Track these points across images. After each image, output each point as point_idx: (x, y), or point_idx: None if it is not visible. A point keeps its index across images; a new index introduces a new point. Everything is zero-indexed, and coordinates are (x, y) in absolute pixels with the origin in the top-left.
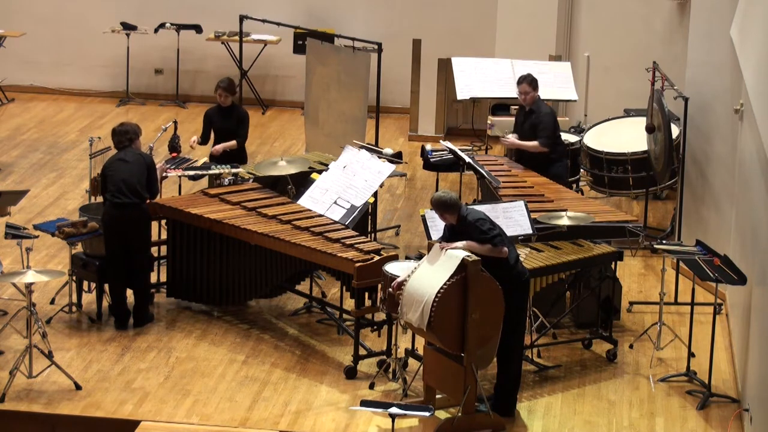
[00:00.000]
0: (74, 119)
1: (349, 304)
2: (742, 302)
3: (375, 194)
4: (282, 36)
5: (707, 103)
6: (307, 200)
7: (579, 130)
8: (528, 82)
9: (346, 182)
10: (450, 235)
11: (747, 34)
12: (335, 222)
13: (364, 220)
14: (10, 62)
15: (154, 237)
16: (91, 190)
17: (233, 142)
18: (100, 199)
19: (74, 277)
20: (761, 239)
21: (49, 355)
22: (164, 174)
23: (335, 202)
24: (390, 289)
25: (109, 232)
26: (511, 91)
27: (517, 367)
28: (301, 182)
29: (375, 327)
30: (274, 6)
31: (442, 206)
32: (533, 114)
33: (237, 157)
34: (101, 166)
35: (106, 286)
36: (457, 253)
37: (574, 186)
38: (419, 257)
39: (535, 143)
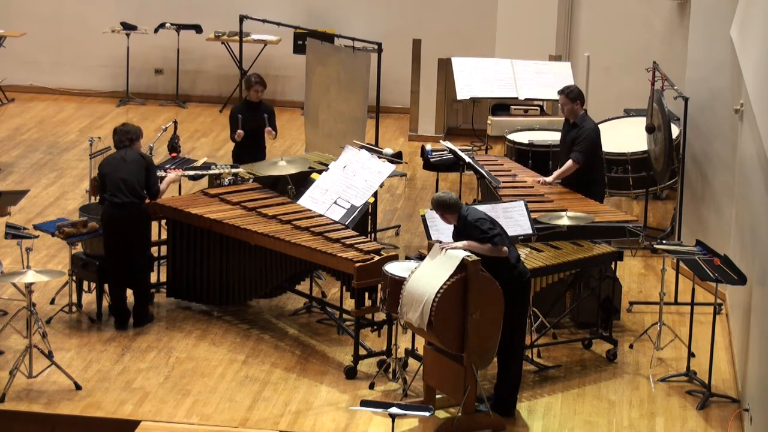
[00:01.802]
0: (74, 119)
1: (349, 304)
2: (742, 302)
3: (375, 194)
4: (282, 36)
5: (707, 103)
6: (307, 200)
7: None
8: (565, 94)
9: (346, 182)
10: (453, 236)
11: (747, 34)
12: (335, 222)
13: (364, 220)
14: (10, 62)
15: (154, 237)
16: (91, 190)
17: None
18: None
19: (74, 277)
20: (761, 239)
21: (49, 355)
22: (167, 175)
23: (335, 202)
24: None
25: (109, 232)
26: (511, 91)
27: (518, 367)
28: (301, 182)
29: (375, 327)
30: (274, 6)
31: (442, 206)
32: (576, 128)
33: (258, 154)
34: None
35: (106, 286)
36: (457, 253)
37: None
38: (419, 257)
39: (568, 163)
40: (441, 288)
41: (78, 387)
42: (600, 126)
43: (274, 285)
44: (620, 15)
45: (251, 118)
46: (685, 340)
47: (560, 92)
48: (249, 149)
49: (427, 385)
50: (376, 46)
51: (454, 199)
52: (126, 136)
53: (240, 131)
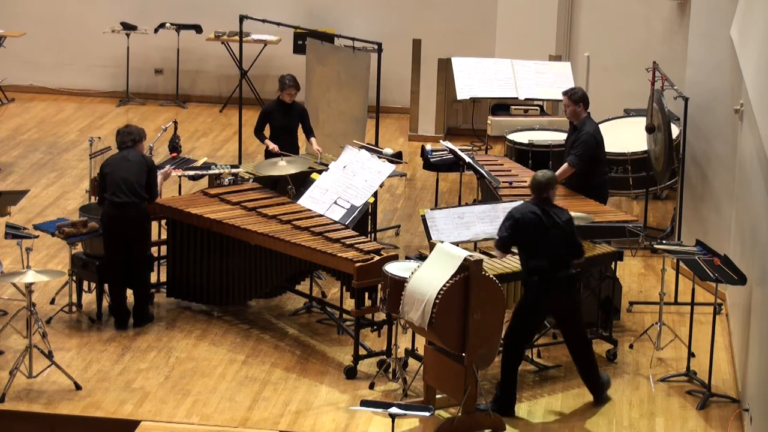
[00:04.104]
0: (74, 119)
1: (349, 304)
2: (742, 302)
3: (375, 194)
4: (282, 36)
5: (707, 103)
6: (307, 200)
7: None
8: (568, 95)
9: (346, 182)
10: None
11: (747, 34)
12: (335, 222)
13: (364, 220)
14: (10, 62)
15: (154, 237)
16: (91, 190)
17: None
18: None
19: (74, 277)
20: (761, 239)
21: (49, 355)
22: (169, 174)
23: (335, 202)
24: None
25: (109, 232)
26: (511, 91)
27: (514, 365)
28: (301, 182)
29: (375, 327)
30: (274, 6)
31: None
32: (576, 131)
33: (292, 148)
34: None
35: (106, 286)
36: (458, 253)
37: None
38: (419, 257)
39: (564, 166)
40: (442, 288)
41: (78, 387)
42: (600, 126)
43: (274, 285)
44: (620, 15)
45: (283, 117)
46: (685, 340)
47: (564, 93)
48: (282, 149)
49: (427, 385)
50: (376, 46)
51: (536, 183)
52: (129, 137)
53: (275, 146)
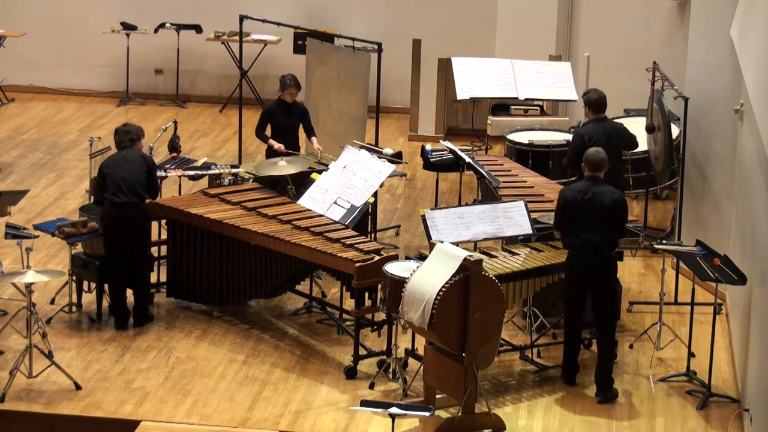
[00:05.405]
0: (74, 119)
1: (349, 304)
2: (742, 302)
3: (375, 194)
4: (282, 36)
5: (707, 103)
6: (307, 200)
7: None
8: (585, 98)
9: (346, 182)
10: None
11: (747, 34)
12: (335, 222)
13: (364, 220)
14: (10, 62)
15: (154, 237)
16: (91, 190)
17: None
18: None
19: (74, 277)
20: (761, 239)
21: (49, 355)
22: (167, 175)
23: (335, 202)
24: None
25: (109, 232)
26: (510, 91)
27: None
28: (301, 182)
29: (375, 327)
30: (274, 6)
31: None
32: None
33: (293, 148)
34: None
35: (106, 286)
36: (458, 253)
37: None
38: (419, 257)
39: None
40: (442, 287)
41: (78, 387)
42: None
43: (274, 285)
44: (620, 15)
45: (285, 117)
46: (685, 340)
47: (582, 94)
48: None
49: (427, 385)
50: (376, 46)
51: (588, 158)
52: (127, 136)
53: (280, 145)
